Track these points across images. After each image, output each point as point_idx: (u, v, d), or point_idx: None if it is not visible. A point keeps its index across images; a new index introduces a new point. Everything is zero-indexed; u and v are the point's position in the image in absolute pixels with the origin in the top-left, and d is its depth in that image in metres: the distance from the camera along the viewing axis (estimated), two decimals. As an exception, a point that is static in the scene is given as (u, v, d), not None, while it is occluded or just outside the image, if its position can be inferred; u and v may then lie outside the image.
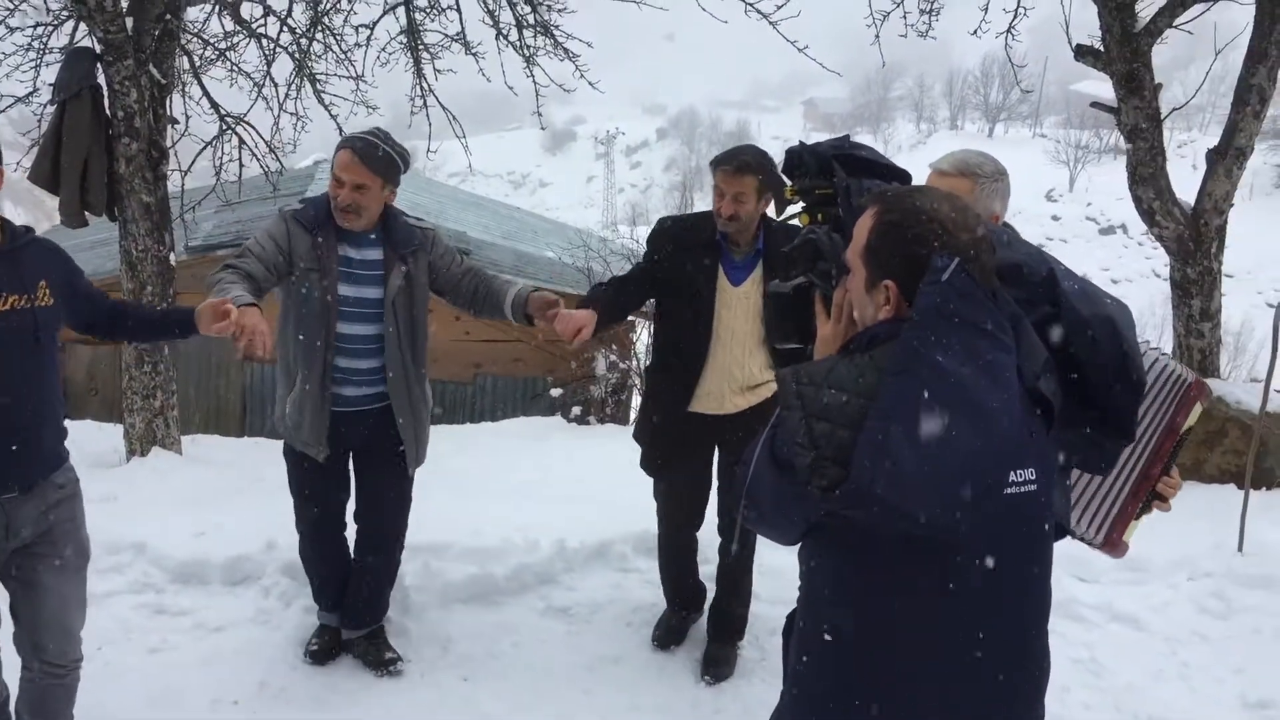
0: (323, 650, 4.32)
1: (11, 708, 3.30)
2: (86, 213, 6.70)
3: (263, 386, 10.54)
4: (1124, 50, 6.22)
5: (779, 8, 7.17)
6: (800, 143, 2.59)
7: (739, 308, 3.97)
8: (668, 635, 4.56)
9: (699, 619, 4.67)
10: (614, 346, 10.32)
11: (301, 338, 3.87)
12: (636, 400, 10.41)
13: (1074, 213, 71.61)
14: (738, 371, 4.03)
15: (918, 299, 1.82)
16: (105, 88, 6.61)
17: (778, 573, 4.69)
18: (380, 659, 4.27)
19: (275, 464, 6.51)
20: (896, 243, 1.91)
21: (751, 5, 6.64)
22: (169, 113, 7.08)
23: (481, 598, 4.94)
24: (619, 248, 12.80)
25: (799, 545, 2.03)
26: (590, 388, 10.12)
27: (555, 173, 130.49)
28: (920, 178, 2.78)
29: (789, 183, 2.59)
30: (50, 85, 8.11)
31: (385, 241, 3.91)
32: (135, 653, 4.39)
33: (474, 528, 5.32)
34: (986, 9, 7.51)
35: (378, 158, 3.76)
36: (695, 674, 4.37)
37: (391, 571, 4.41)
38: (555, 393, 10.45)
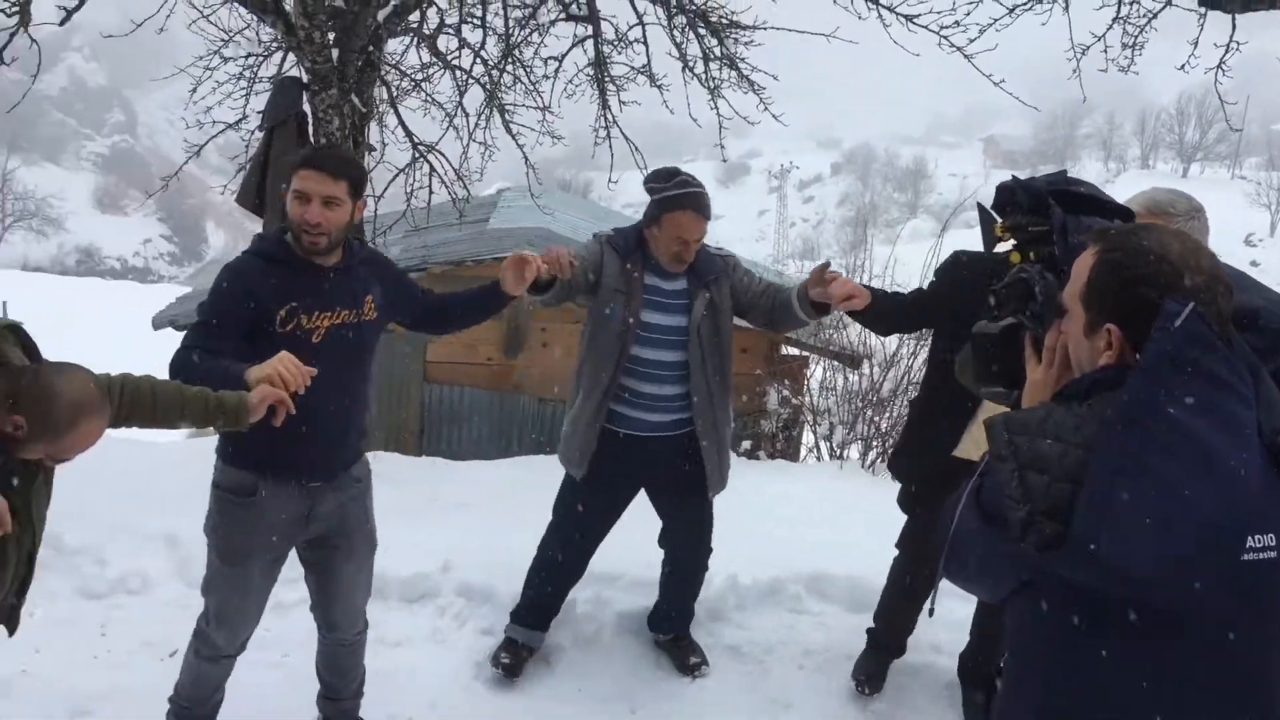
0: (516, 664, 4.41)
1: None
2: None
3: (440, 407, 10.79)
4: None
5: (971, 41, 6.99)
6: (1014, 177, 2.47)
7: None
8: (872, 680, 4.44)
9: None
10: (786, 381, 10.19)
11: (594, 356, 4.02)
12: (808, 437, 10.23)
13: (1275, 258, 67.80)
14: None
15: (1148, 346, 1.68)
16: (310, 116, 6.90)
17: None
18: (686, 663, 4.57)
19: (453, 483, 6.66)
20: (1121, 284, 1.78)
21: (945, 38, 6.46)
22: (367, 140, 7.35)
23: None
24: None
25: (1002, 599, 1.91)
26: (761, 422, 10.00)
27: (728, 206, 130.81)
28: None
29: (998, 219, 2.47)
30: (258, 113, 8.58)
31: (690, 271, 4.02)
32: (317, 660, 4.52)
33: (646, 560, 5.28)
34: (1197, 43, 7.13)
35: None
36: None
37: (698, 587, 4.65)
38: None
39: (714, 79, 8.13)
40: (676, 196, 3.87)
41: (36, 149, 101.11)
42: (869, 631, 4.55)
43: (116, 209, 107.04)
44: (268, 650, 4.33)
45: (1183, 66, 7.28)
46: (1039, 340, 2.05)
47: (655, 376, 4.03)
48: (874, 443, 9.59)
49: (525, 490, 6.90)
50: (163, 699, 4.14)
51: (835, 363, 9.99)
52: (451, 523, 5.95)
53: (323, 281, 3.21)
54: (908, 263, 10.54)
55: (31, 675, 4.10)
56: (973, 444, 3.82)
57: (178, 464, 7.77)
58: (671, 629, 4.67)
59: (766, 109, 8.16)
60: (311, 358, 2.96)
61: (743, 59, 8.03)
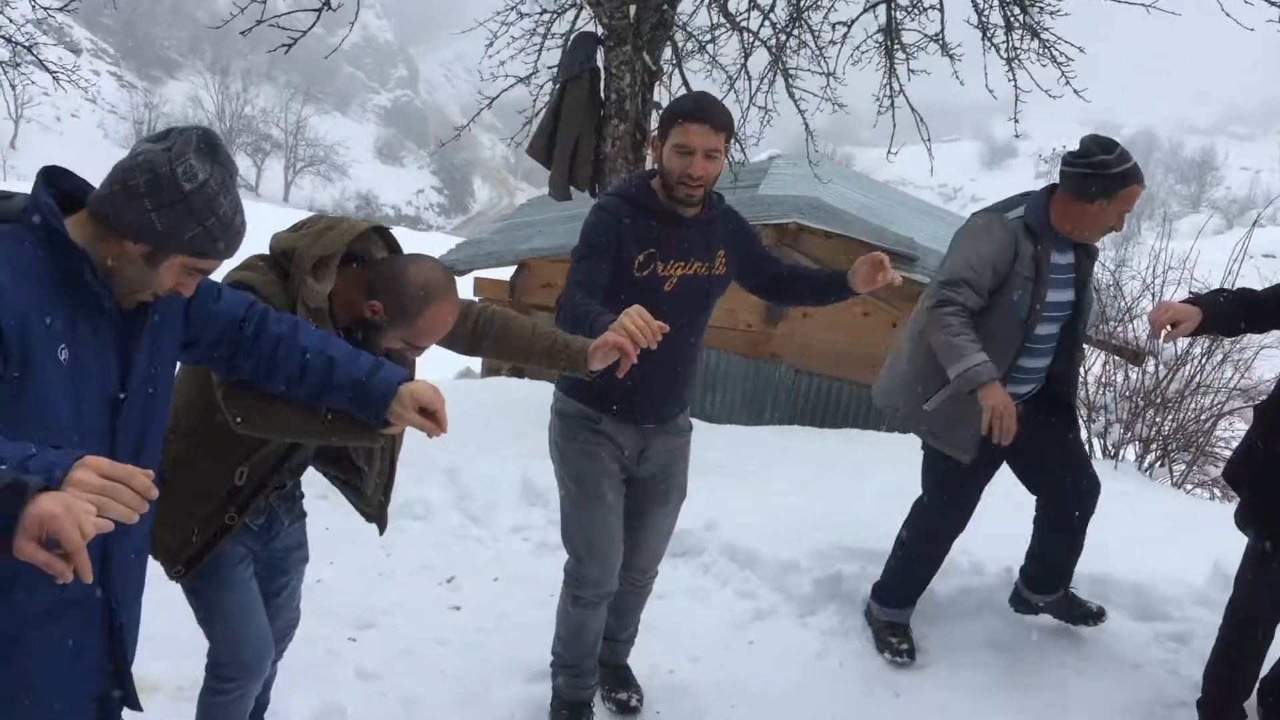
0: (911, 647, 4.34)
1: None
2: (571, 187, 7.17)
3: (711, 372, 10.81)
4: None
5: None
6: None
7: None
8: None
9: None
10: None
11: (992, 346, 3.71)
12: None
13: None
14: None
15: None
16: (603, 71, 7.01)
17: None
18: (1087, 610, 4.39)
19: (710, 446, 6.68)
20: None
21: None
22: (654, 98, 7.42)
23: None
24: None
25: None
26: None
27: (990, 189, 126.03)
28: None
29: None
30: (550, 68, 8.81)
31: (1078, 245, 3.89)
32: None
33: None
34: None
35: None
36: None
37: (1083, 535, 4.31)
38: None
39: (1014, 49, 7.73)
40: (1132, 170, 3.69)
41: (328, 99, 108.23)
42: (1199, 705, 3.94)
43: (395, 160, 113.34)
44: (538, 589, 4.48)
45: None
46: None
47: (1039, 351, 3.89)
48: (1153, 445, 8.98)
49: (780, 458, 6.88)
50: (439, 617, 4.36)
51: (1116, 357, 9.38)
52: (711, 485, 5.96)
53: (682, 231, 3.24)
54: (1184, 258, 9.73)
55: (326, 585, 4.37)
56: None
57: (456, 402, 8.16)
58: (1058, 586, 4.33)
59: (1069, 83, 7.72)
60: (661, 305, 2.95)
61: (1047, 29, 7.60)
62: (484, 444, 6.45)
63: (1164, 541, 5.63)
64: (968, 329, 3.58)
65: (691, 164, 3.07)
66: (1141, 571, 5.04)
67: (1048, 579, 4.31)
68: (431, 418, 2.28)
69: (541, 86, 8.97)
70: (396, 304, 2.55)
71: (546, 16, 8.91)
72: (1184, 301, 3.49)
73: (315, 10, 7.05)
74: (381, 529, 3.02)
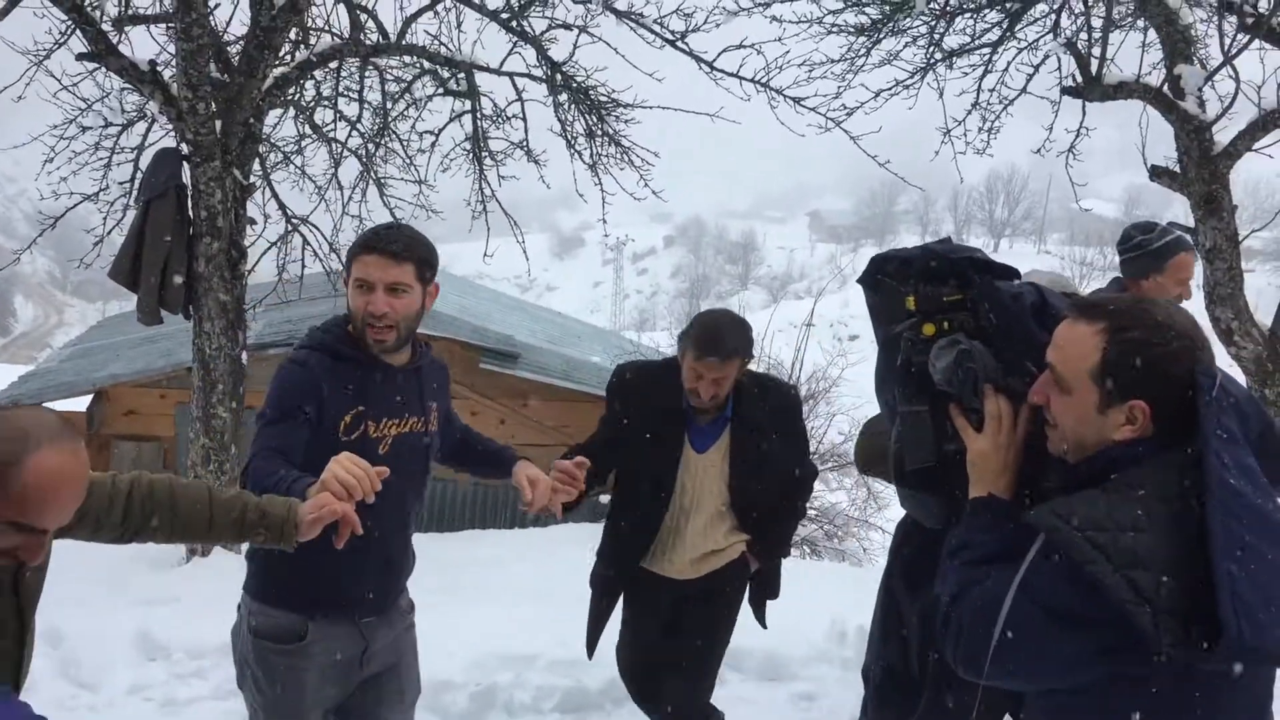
0: None
1: None
2: (163, 310, 6.72)
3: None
4: (1202, 172, 6.29)
5: (836, 123, 7.35)
6: (923, 247, 2.41)
7: (703, 478, 3.61)
8: None
9: None
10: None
11: None
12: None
13: (1080, 327, 71.90)
14: (699, 541, 3.65)
15: (1202, 422, 1.72)
16: (191, 187, 6.67)
17: None
18: None
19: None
20: (1148, 362, 1.79)
21: (834, 122, 6.75)
22: (246, 214, 7.15)
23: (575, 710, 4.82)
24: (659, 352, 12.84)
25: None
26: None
27: (563, 277, 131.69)
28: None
29: (905, 290, 2.34)
30: (119, 183, 8.28)
31: None
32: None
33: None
34: (1051, 128, 7.63)
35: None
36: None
37: None
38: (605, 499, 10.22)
39: (597, 154, 8.23)
40: (1174, 241, 3.97)
41: None
42: None
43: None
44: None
45: (1039, 150, 7.75)
46: (969, 409, 2.09)
47: None
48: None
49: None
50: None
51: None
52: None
53: (393, 384, 2.81)
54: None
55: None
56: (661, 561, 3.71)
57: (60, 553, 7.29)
58: None
59: (647, 184, 8.32)
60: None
61: (625, 135, 8.18)
62: (84, 595, 5.84)
63: (782, 605, 6.09)
64: None
65: (372, 299, 2.67)
66: (768, 635, 5.42)
67: None
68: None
69: (112, 203, 8.39)
70: None
71: (113, 130, 8.37)
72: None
73: None
74: None
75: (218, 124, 6.60)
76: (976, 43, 7.76)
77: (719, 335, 3.37)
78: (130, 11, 6.90)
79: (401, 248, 2.71)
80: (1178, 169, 6.52)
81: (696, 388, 3.41)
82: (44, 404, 10.52)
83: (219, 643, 5.01)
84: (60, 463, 1.75)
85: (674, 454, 3.56)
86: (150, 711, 4.81)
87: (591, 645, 3.86)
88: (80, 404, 11.01)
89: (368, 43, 7.59)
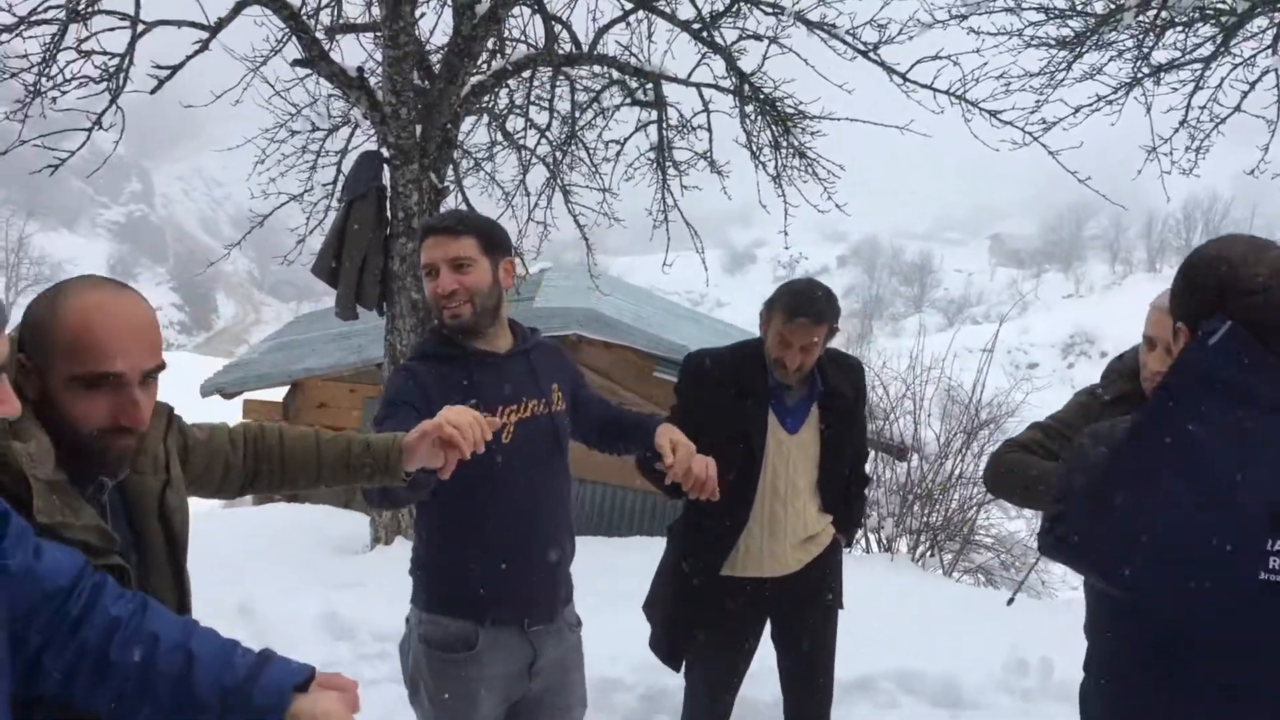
0: None
1: None
2: (359, 306, 7.02)
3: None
4: None
5: (1035, 137, 7.12)
6: None
7: (797, 458, 3.41)
8: None
9: None
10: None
11: None
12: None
13: None
14: (798, 525, 3.44)
15: (1176, 362, 1.76)
16: (390, 189, 6.96)
17: None
18: None
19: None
20: (1186, 286, 1.85)
21: (1032, 136, 6.55)
22: (441, 216, 7.40)
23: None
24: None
25: None
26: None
27: (733, 293, 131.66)
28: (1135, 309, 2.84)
29: None
30: (323, 185, 8.70)
31: None
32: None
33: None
34: (1267, 149, 7.24)
35: None
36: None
37: None
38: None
39: (781, 166, 8.20)
40: None
41: (54, 215, 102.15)
42: None
43: (129, 276, 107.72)
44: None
45: (1252, 171, 7.37)
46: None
47: None
48: (923, 536, 9.49)
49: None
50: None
51: (884, 454, 9.93)
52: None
53: (501, 372, 2.71)
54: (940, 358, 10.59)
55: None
56: (751, 559, 3.44)
57: (233, 532, 7.71)
58: None
59: (830, 197, 8.25)
60: (508, 464, 2.59)
61: (810, 147, 8.12)
62: (275, 575, 6.13)
63: (959, 631, 5.94)
64: None
65: (438, 282, 2.62)
66: (944, 661, 5.29)
67: None
68: None
69: (315, 204, 8.84)
70: (37, 325, 1.67)
71: (319, 134, 8.82)
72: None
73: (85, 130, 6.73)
74: None
75: (418, 129, 6.88)
76: (1187, 57, 7.41)
77: (811, 296, 3.24)
78: (341, 20, 7.25)
79: (455, 221, 2.68)
80: None
81: (783, 356, 3.24)
82: (244, 392, 11.15)
83: (402, 626, 5.20)
84: (98, 298, 1.68)
85: (761, 437, 3.34)
86: (334, 690, 4.99)
87: (677, 658, 3.57)
88: (277, 394, 11.60)
89: (561, 52, 7.78)
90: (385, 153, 7.00)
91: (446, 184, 7.53)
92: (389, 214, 7.01)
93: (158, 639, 1.54)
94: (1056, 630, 3.37)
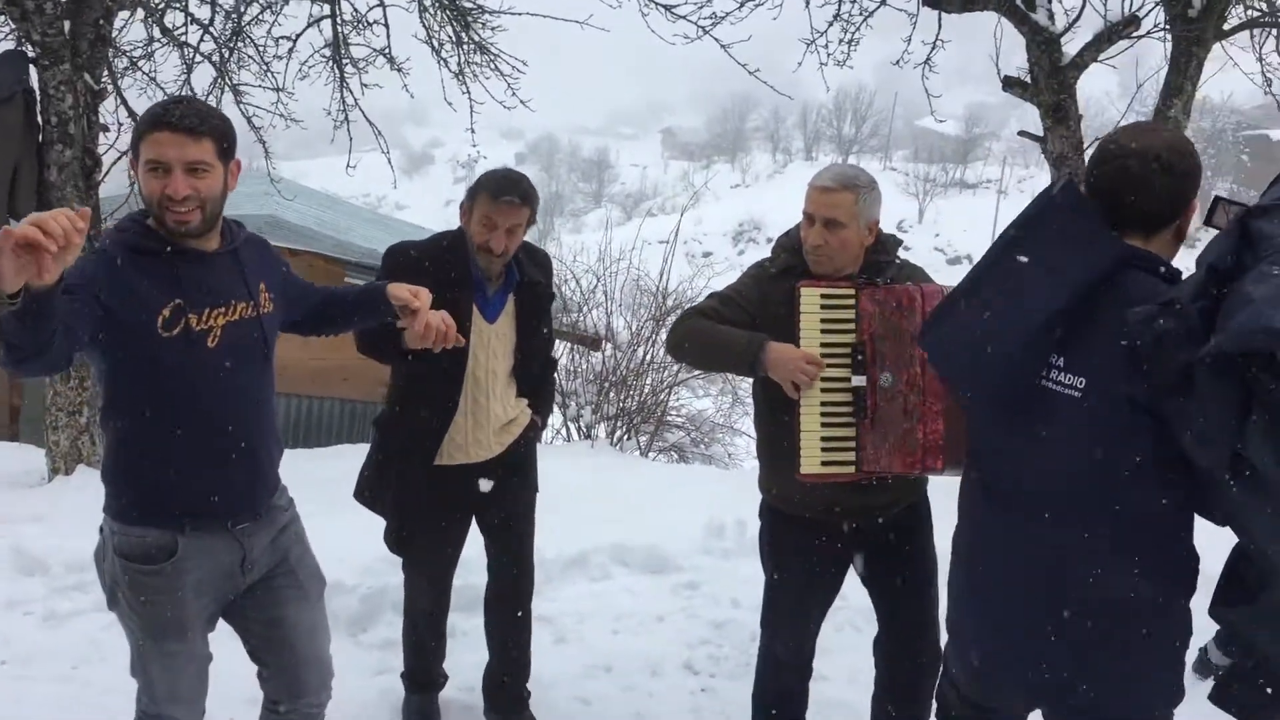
0: None
1: None
2: (11, 220, 6.43)
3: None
4: (1051, 82, 6.62)
5: (706, 30, 7.42)
6: None
7: (496, 347, 3.54)
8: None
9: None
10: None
11: None
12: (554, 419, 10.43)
13: (923, 243, 74.37)
14: (499, 411, 3.58)
15: (1032, 201, 2.16)
16: (39, 92, 6.37)
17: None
18: None
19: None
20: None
21: (704, 30, 6.81)
22: (99, 119, 6.85)
23: (465, 608, 4.92)
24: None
25: None
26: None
27: (412, 196, 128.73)
28: (797, 195, 3.17)
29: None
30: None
31: None
32: (115, 672, 4.25)
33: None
34: (909, 40, 7.88)
35: None
36: (688, 672, 4.47)
37: None
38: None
39: (463, 62, 8.13)
40: None
41: None
42: None
43: None
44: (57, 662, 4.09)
45: (897, 62, 8.00)
46: None
47: None
48: (620, 421, 9.91)
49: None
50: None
51: (579, 345, 10.22)
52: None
53: (208, 271, 2.56)
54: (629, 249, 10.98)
55: None
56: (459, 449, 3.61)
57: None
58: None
59: (515, 94, 8.27)
60: (212, 368, 2.51)
61: (492, 43, 8.08)
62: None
63: (661, 505, 6.35)
64: None
65: (169, 182, 2.39)
66: (649, 533, 5.67)
67: None
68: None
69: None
70: None
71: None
72: None
73: None
74: None
75: (66, 25, 6.29)
76: (838, -46, 7.89)
77: (515, 179, 3.38)
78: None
79: (198, 121, 2.43)
80: (1028, 80, 6.84)
81: (488, 240, 3.32)
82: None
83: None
84: None
85: (466, 327, 3.33)
86: (32, 625, 4.70)
87: (402, 545, 3.71)
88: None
89: (220, -60, 7.30)
90: (31, 51, 6.37)
91: (103, 85, 6.95)
92: (40, 119, 6.42)
93: None
94: (747, 496, 3.69)
